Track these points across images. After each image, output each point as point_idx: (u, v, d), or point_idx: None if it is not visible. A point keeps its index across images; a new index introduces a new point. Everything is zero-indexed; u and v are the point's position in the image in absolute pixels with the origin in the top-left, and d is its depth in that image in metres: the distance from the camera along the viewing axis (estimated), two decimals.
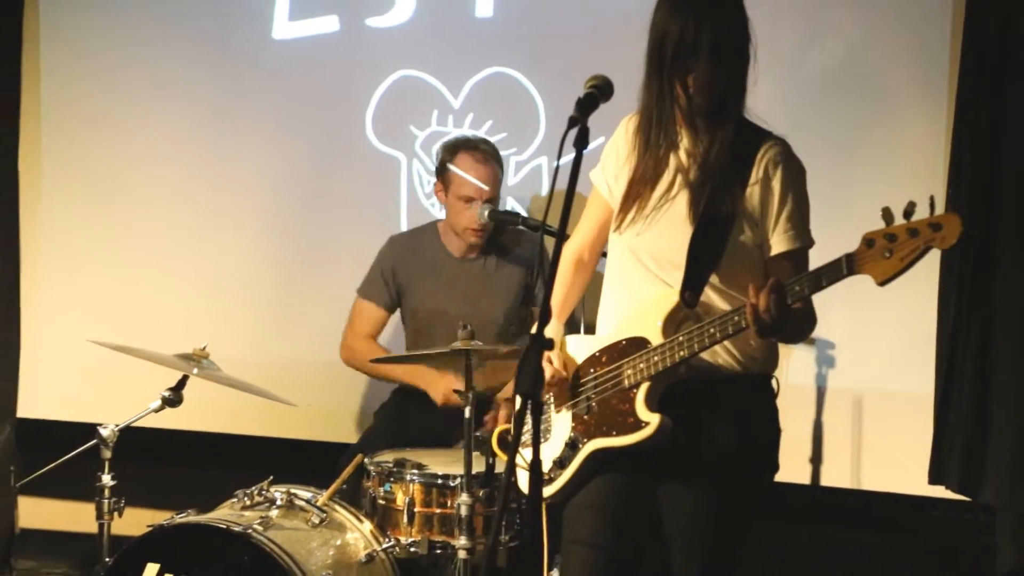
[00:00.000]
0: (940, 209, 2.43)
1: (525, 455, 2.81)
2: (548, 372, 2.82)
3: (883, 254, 2.44)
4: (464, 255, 4.31)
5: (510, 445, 2.37)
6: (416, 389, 4.22)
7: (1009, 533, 3.90)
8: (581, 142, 2.46)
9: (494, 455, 3.31)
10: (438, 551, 3.54)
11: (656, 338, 2.71)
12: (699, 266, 2.71)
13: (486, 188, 4.18)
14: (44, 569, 4.84)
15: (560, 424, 2.87)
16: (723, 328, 2.62)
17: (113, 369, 4.55)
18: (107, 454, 3.59)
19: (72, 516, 5.09)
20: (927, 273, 3.92)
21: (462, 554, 3.37)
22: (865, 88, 4.23)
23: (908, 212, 2.43)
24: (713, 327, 2.63)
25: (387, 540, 3.55)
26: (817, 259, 2.68)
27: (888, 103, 4.19)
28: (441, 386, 4.13)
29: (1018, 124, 3.90)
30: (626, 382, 2.74)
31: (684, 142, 2.78)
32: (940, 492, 4.03)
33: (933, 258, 3.71)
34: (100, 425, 3.61)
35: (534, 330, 2.33)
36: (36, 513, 5.04)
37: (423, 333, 4.29)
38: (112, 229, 5.07)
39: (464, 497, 3.36)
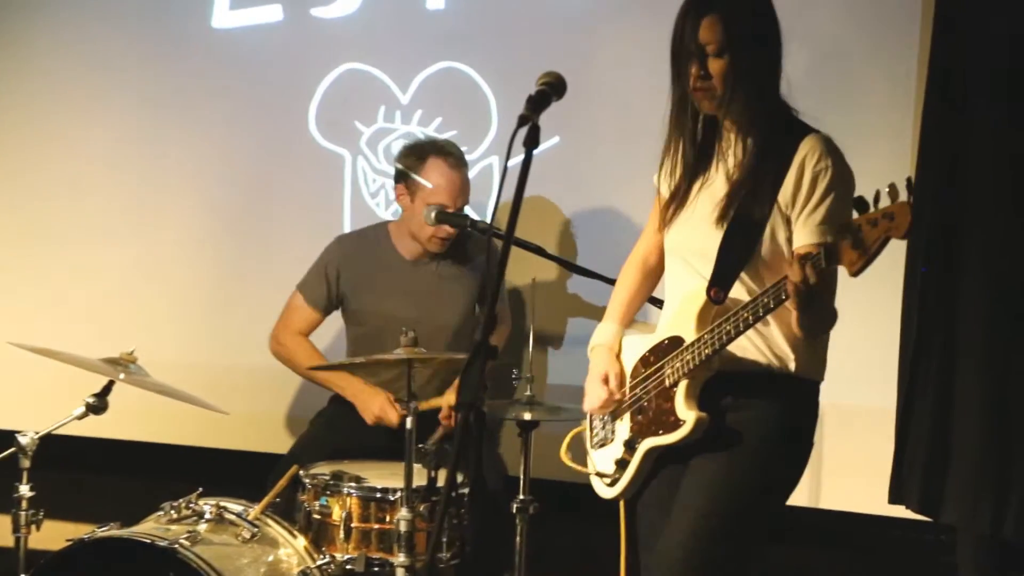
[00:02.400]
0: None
1: (595, 461, 3.02)
2: (605, 394, 2.95)
3: (853, 245, 2.47)
4: (416, 258, 4.23)
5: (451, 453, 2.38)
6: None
7: (969, 554, 3.89)
8: (532, 141, 2.44)
9: (437, 466, 3.33)
10: (376, 568, 3.51)
11: (690, 336, 2.82)
12: (729, 263, 2.78)
13: (460, 197, 4.09)
14: None
15: (620, 425, 2.98)
16: (736, 324, 2.69)
17: (34, 373, 4.51)
18: (26, 463, 3.55)
19: None
20: (891, 284, 3.91)
21: (401, 572, 3.35)
22: (832, 93, 4.16)
23: (875, 200, 2.46)
24: (728, 324, 2.71)
25: (322, 557, 3.52)
26: None
27: (855, 109, 4.14)
28: (374, 405, 4.08)
29: (983, 130, 3.85)
30: (667, 381, 2.85)
31: (720, 142, 2.87)
32: (901, 512, 3.98)
33: (896, 268, 3.70)
34: (19, 432, 3.56)
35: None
36: None
37: (370, 339, 4.19)
38: (36, 226, 5.06)
39: (404, 512, 3.34)
